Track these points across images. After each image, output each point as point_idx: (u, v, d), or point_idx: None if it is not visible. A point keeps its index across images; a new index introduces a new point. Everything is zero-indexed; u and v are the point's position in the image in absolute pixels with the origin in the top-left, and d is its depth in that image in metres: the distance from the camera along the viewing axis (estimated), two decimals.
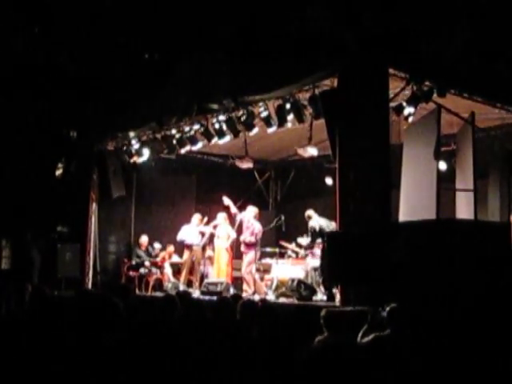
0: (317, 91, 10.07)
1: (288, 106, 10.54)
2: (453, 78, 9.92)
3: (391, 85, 9.38)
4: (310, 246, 12.21)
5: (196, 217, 13.86)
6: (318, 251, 12.05)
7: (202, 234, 13.69)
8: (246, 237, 12.65)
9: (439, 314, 7.16)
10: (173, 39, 11.59)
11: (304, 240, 12.49)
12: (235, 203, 16.44)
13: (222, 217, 13.57)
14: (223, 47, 10.76)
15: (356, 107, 9.18)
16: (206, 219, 13.82)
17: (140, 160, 13.86)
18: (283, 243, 13.14)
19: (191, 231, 13.64)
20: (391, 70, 9.30)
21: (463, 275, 7.51)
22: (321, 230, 11.74)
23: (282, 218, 13.53)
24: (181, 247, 13.99)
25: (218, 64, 11.10)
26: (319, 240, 11.74)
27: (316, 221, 12.03)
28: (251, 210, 13.00)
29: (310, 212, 12.42)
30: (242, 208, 15.38)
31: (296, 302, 10.71)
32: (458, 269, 7.54)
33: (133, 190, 15.44)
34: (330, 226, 11.46)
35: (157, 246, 15.08)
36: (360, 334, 6.18)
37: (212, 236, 13.65)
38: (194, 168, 16.04)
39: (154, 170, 14.71)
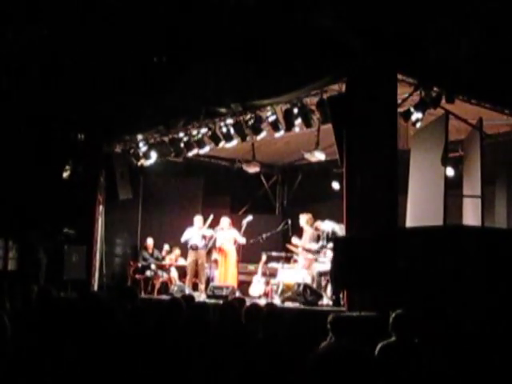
0: (325, 96, 10.07)
1: (296, 110, 10.53)
2: (461, 84, 9.90)
3: (399, 90, 9.37)
4: (318, 251, 12.15)
5: (198, 219, 13.81)
6: (322, 256, 12.02)
7: (205, 238, 13.65)
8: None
9: (445, 321, 7.14)
10: (181, 42, 11.61)
11: (311, 244, 12.40)
12: (241, 207, 16.48)
13: (226, 221, 13.54)
14: (231, 51, 10.76)
15: (364, 112, 9.17)
16: (209, 221, 13.74)
17: (147, 163, 13.88)
18: (290, 247, 13.11)
19: (194, 234, 13.62)
20: (399, 76, 9.30)
21: (470, 282, 7.48)
22: (333, 233, 11.63)
23: (289, 222, 13.51)
24: (187, 250, 13.97)
25: (226, 68, 11.11)
26: (330, 244, 11.64)
27: (328, 225, 11.94)
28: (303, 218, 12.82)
29: (310, 216, 12.42)
30: (247, 212, 15.40)
31: (302, 306, 10.69)
32: (464, 275, 7.51)
33: (140, 193, 15.46)
34: (342, 229, 11.27)
35: (166, 247, 15.08)
36: (365, 340, 6.17)
37: (215, 239, 13.61)
38: (201, 171, 16.04)
39: (161, 172, 14.74)
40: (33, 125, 13.81)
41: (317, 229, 12.24)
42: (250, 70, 10.70)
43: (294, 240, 12.69)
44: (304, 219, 12.57)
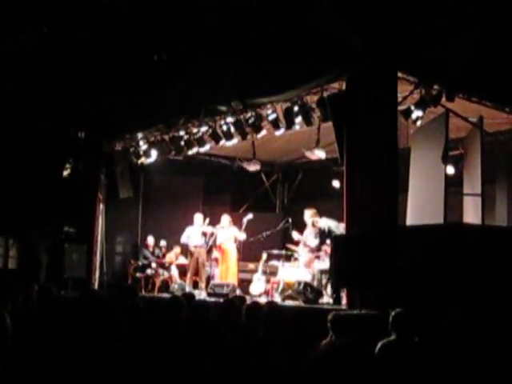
0: (325, 94, 10.06)
1: (296, 108, 10.53)
2: (461, 82, 9.90)
3: (399, 88, 9.36)
4: (318, 248, 12.16)
5: (198, 217, 13.80)
6: (322, 254, 12.03)
7: (205, 235, 13.64)
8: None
9: (445, 319, 7.14)
10: (182, 40, 11.60)
11: (310, 241, 12.39)
12: (242, 205, 16.47)
13: (226, 219, 13.54)
14: (232, 49, 10.76)
15: (364, 110, 9.17)
16: (207, 220, 13.72)
17: (148, 161, 13.88)
18: (290, 246, 13.12)
19: (194, 232, 13.62)
20: (400, 74, 9.29)
21: (470, 279, 7.49)
22: (330, 231, 11.66)
23: (289, 220, 13.52)
24: (187, 248, 13.97)
25: (226, 66, 11.11)
26: (328, 241, 11.66)
27: (324, 222, 11.98)
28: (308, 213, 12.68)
29: (315, 211, 12.35)
30: (248, 210, 15.39)
31: (302, 304, 10.69)
32: (464, 273, 7.51)
33: (140, 191, 15.48)
34: (339, 227, 11.32)
35: (162, 243, 15.10)
36: (366, 339, 6.17)
37: (216, 237, 13.60)
38: (202, 170, 16.04)
39: (161, 171, 14.74)
40: (33, 123, 13.81)
41: (314, 225, 12.25)
42: (250, 68, 10.70)
43: (295, 235, 12.68)
44: (308, 214, 12.52)
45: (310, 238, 12.36)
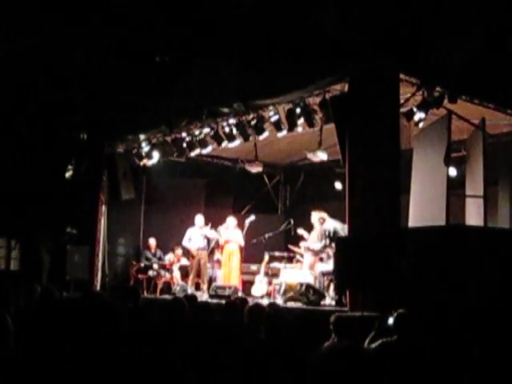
0: (327, 96, 10.07)
1: (298, 110, 10.53)
2: (464, 83, 9.89)
3: (402, 90, 9.36)
4: (321, 251, 12.12)
5: (199, 218, 13.80)
6: (325, 256, 12.01)
7: (207, 238, 13.64)
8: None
9: (447, 321, 7.13)
10: (184, 42, 11.61)
11: (315, 244, 12.35)
12: (244, 207, 16.47)
13: (232, 221, 13.54)
14: (234, 51, 10.77)
15: (366, 112, 9.17)
16: (209, 225, 13.72)
17: (150, 163, 13.87)
18: (292, 247, 13.11)
19: (195, 234, 13.62)
20: (402, 76, 9.30)
21: (472, 282, 7.48)
22: (335, 232, 11.62)
23: (292, 222, 13.51)
24: (188, 250, 13.97)
25: (228, 68, 11.11)
26: (333, 244, 11.58)
27: (331, 223, 11.93)
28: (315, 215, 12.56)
29: (323, 215, 12.28)
30: (250, 212, 15.38)
31: (304, 306, 10.68)
32: (466, 275, 7.50)
33: (142, 193, 15.48)
34: (344, 228, 11.22)
35: (168, 257, 15.04)
36: (367, 340, 6.17)
37: (219, 238, 13.60)
38: (204, 171, 16.04)
39: (163, 172, 14.74)
40: (35, 125, 13.81)
41: (321, 223, 12.20)
42: (252, 70, 10.70)
43: (300, 231, 12.63)
44: (316, 217, 12.45)
45: (314, 240, 12.33)
